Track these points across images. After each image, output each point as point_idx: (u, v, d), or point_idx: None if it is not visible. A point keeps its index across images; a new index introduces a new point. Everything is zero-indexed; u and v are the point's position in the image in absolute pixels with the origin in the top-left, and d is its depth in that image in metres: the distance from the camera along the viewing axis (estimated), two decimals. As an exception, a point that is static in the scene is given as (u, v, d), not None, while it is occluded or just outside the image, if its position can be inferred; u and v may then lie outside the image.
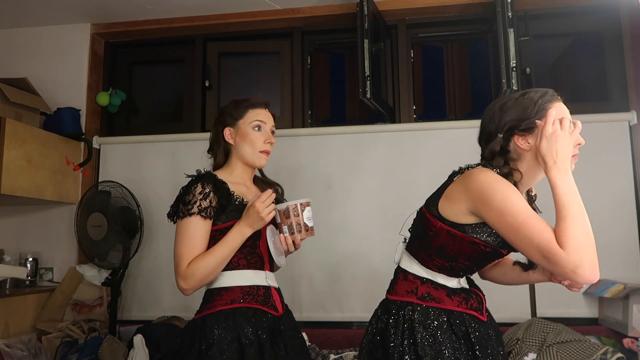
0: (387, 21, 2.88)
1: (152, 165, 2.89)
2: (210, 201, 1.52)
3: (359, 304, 2.62)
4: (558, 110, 1.30)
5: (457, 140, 2.67)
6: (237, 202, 1.57)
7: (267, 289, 1.58)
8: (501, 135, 1.36)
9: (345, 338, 2.53)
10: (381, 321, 1.41)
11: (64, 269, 2.75)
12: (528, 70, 2.72)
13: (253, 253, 1.58)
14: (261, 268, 1.59)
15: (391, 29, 2.93)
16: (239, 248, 1.53)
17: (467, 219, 1.28)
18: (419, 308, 1.34)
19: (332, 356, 2.35)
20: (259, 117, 1.65)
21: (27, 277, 2.74)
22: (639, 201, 2.51)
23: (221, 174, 1.62)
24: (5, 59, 3.06)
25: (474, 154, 2.77)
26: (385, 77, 2.90)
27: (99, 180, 2.87)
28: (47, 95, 2.86)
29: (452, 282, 1.37)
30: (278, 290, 1.64)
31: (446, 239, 1.32)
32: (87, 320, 2.64)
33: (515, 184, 1.30)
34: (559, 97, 1.34)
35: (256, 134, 1.63)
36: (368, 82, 2.53)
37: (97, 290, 2.71)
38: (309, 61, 3.02)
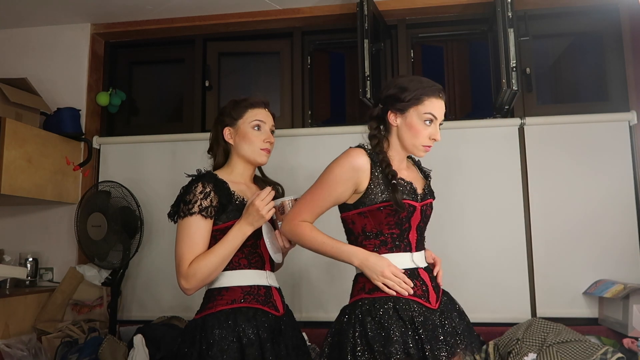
0: (387, 21, 2.88)
1: (152, 165, 2.89)
2: (211, 200, 1.52)
3: None
4: (430, 105, 1.51)
5: (457, 140, 2.67)
6: (237, 202, 1.57)
7: (267, 288, 1.58)
8: (381, 106, 1.57)
9: (345, 338, 2.53)
10: (337, 323, 1.49)
11: (64, 269, 2.75)
12: (528, 70, 2.72)
13: (254, 253, 1.58)
14: (262, 268, 1.60)
15: (391, 29, 2.93)
16: (240, 248, 1.53)
17: (357, 195, 1.49)
18: (366, 301, 1.44)
19: (332, 356, 2.35)
20: (258, 117, 1.66)
21: (27, 277, 2.74)
22: (639, 201, 2.51)
23: (221, 174, 1.62)
24: (5, 59, 3.06)
25: (474, 154, 2.80)
26: (386, 77, 2.90)
27: (99, 180, 2.87)
28: (47, 95, 2.86)
29: (402, 260, 1.47)
30: (279, 290, 1.65)
31: (361, 220, 1.49)
32: (87, 320, 2.64)
33: (384, 152, 1.53)
34: (441, 96, 1.54)
35: (255, 134, 1.64)
36: (368, 82, 2.53)
37: (97, 290, 2.71)
38: (309, 61, 3.02)
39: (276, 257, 1.59)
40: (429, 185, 1.66)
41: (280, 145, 2.56)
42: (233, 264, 1.55)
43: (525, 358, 2.10)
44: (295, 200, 1.54)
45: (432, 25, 2.93)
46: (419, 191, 1.55)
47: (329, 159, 2.79)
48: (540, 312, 2.48)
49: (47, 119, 2.84)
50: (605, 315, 2.38)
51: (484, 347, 2.29)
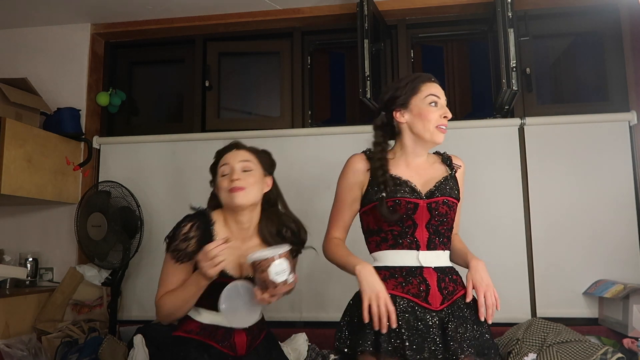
0: (387, 21, 2.88)
1: (152, 165, 2.89)
2: (187, 246, 1.51)
3: None
4: (428, 89, 1.55)
5: (457, 140, 2.67)
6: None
7: (228, 330, 1.55)
8: (383, 113, 1.61)
9: (345, 338, 2.53)
10: (347, 305, 1.60)
11: (64, 269, 2.75)
12: (528, 70, 2.72)
13: (215, 296, 1.50)
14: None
15: (391, 29, 2.93)
16: (204, 295, 1.50)
17: (362, 196, 1.58)
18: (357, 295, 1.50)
19: (332, 356, 2.35)
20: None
21: (27, 277, 2.74)
22: (639, 201, 2.51)
23: (216, 213, 1.62)
24: (5, 59, 3.06)
25: (474, 154, 2.79)
26: (386, 77, 2.90)
27: (99, 181, 2.87)
28: (47, 95, 2.86)
29: (404, 257, 1.49)
30: (249, 330, 1.58)
31: (365, 218, 1.58)
32: (87, 320, 2.64)
33: (384, 153, 1.57)
34: (433, 80, 1.58)
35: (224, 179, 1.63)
36: (368, 82, 2.53)
37: (97, 290, 2.71)
38: (309, 61, 3.02)
39: (236, 322, 1.52)
40: (450, 182, 1.59)
41: (280, 145, 2.56)
42: (199, 302, 1.54)
43: (525, 358, 2.10)
44: (265, 260, 1.40)
45: (432, 25, 2.93)
46: (421, 188, 1.52)
47: (329, 159, 2.79)
48: (540, 312, 2.48)
49: (47, 119, 2.84)
50: (605, 315, 2.38)
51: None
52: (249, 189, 1.56)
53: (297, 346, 2.35)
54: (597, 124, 2.57)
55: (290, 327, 2.59)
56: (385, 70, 2.90)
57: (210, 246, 1.41)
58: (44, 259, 2.88)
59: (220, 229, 1.57)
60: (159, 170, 2.88)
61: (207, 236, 1.52)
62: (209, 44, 3.10)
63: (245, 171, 1.58)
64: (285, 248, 1.43)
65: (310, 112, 2.97)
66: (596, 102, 2.70)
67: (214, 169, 1.65)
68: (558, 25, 2.81)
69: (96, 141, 2.97)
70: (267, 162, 1.67)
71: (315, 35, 3.03)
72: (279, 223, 1.65)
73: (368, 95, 2.52)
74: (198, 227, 1.52)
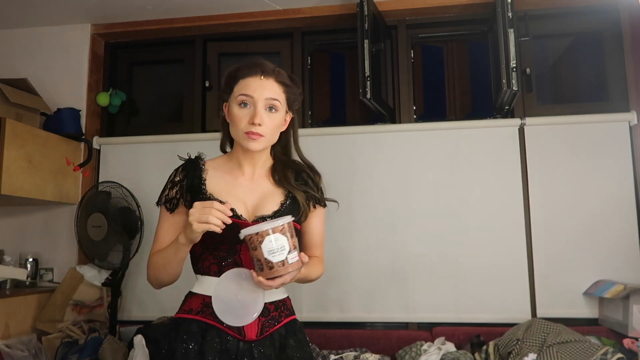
0: (387, 21, 2.88)
1: (152, 165, 2.89)
2: (176, 192, 1.36)
3: (359, 304, 2.62)
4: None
5: (457, 140, 2.67)
6: (202, 197, 1.33)
7: None
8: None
9: (345, 338, 2.54)
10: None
11: (64, 270, 2.75)
12: (528, 70, 2.72)
13: (228, 259, 1.32)
14: None
15: (391, 30, 2.93)
16: (210, 251, 1.32)
17: None
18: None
19: (332, 356, 2.35)
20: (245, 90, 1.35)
21: (28, 278, 2.74)
22: (639, 201, 2.51)
23: (218, 160, 1.44)
24: (5, 59, 3.06)
25: (474, 154, 2.79)
26: (386, 77, 2.90)
27: (99, 181, 2.87)
28: (47, 96, 2.86)
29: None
30: (264, 310, 1.32)
31: None
32: (88, 321, 2.64)
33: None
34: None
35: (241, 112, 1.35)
36: (368, 82, 2.53)
37: (97, 290, 2.70)
38: (309, 61, 3.02)
39: (233, 320, 1.27)
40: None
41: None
42: (204, 268, 1.34)
43: (526, 358, 2.10)
44: (257, 234, 1.17)
45: (432, 25, 2.93)
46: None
47: (329, 159, 2.80)
48: (540, 313, 2.49)
49: (47, 120, 2.84)
50: (606, 315, 2.38)
51: (484, 347, 2.29)
52: (269, 135, 1.34)
53: (297, 346, 2.34)
54: (597, 124, 2.57)
55: (291, 328, 2.59)
56: (385, 70, 2.90)
57: (207, 203, 1.21)
58: (44, 259, 2.88)
59: (214, 174, 1.38)
60: (159, 170, 2.87)
61: (196, 181, 1.35)
62: (209, 44, 3.10)
63: (270, 110, 1.34)
64: (282, 221, 1.19)
65: (310, 112, 2.97)
66: (596, 102, 2.70)
67: (229, 84, 1.37)
68: (558, 25, 2.81)
69: (96, 141, 2.97)
70: (293, 97, 1.41)
71: (315, 35, 3.03)
72: (292, 165, 1.46)
73: (368, 96, 2.52)
74: (185, 169, 1.38)
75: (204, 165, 1.40)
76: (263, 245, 1.17)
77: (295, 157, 1.50)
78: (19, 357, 2.32)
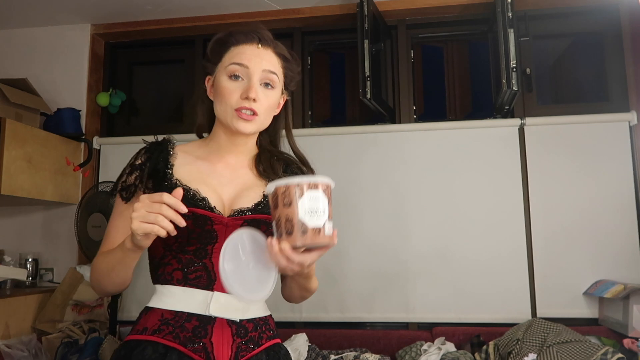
0: (387, 21, 2.88)
1: (152, 165, 2.89)
2: (136, 178, 1.10)
3: (359, 304, 2.62)
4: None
5: (457, 140, 2.67)
6: (167, 184, 1.08)
7: (204, 323, 1.02)
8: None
9: (345, 338, 2.54)
10: None
11: (64, 270, 2.75)
12: (528, 70, 2.72)
13: (198, 264, 1.05)
14: (207, 287, 1.04)
15: (391, 30, 2.93)
16: (174, 252, 1.06)
17: None
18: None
19: (332, 356, 2.35)
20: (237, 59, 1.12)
21: (28, 277, 2.74)
22: (639, 201, 2.51)
23: (191, 144, 1.20)
24: (5, 59, 3.06)
25: (474, 154, 2.79)
26: (386, 77, 2.90)
27: (99, 181, 2.87)
28: (47, 96, 2.86)
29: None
30: (239, 329, 1.05)
31: None
32: (88, 321, 2.64)
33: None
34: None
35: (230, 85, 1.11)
36: (368, 82, 2.53)
37: (98, 290, 2.70)
38: (309, 61, 3.02)
39: (238, 292, 0.95)
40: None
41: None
42: (164, 275, 1.06)
43: (526, 358, 2.10)
44: (298, 186, 0.90)
45: (432, 25, 2.93)
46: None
47: (329, 159, 2.80)
48: (540, 313, 2.49)
49: (47, 120, 2.84)
50: (606, 315, 2.38)
51: (484, 347, 2.29)
52: (263, 116, 1.11)
53: (297, 346, 2.35)
54: (597, 124, 2.58)
55: (291, 327, 2.59)
56: (385, 70, 2.90)
57: (154, 195, 0.91)
58: (44, 259, 2.88)
59: (185, 159, 1.14)
60: (159, 170, 2.88)
61: (161, 164, 1.11)
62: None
63: (266, 86, 1.11)
64: (324, 179, 0.93)
65: (310, 112, 2.97)
66: (596, 102, 2.70)
67: (218, 52, 1.14)
68: (558, 25, 2.81)
69: (96, 141, 2.97)
70: (292, 75, 1.19)
71: (315, 35, 3.03)
72: (280, 156, 1.23)
73: (368, 96, 2.52)
74: (148, 151, 1.13)
75: (172, 148, 1.16)
76: (302, 201, 0.89)
77: (285, 148, 1.26)
78: (19, 357, 2.32)
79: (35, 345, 2.44)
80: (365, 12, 2.58)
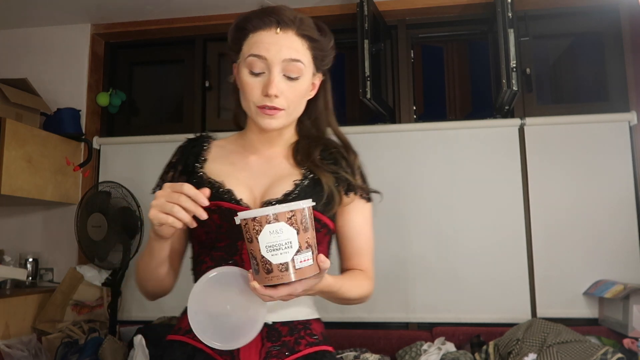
0: (387, 21, 2.88)
1: (152, 165, 2.86)
2: (171, 176, 1.11)
3: (359, 304, 2.62)
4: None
5: (457, 140, 2.67)
6: (194, 178, 1.07)
7: None
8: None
9: (345, 338, 2.53)
10: None
11: (64, 270, 2.74)
12: (528, 70, 2.72)
13: (229, 261, 1.00)
14: None
15: (391, 29, 2.92)
16: (207, 250, 1.03)
17: None
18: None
19: (333, 356, 2.35)
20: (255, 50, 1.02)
21: (28, 277, 2.74)
22: (639, 201, 2.51)
23: (228, 138, 1.16)
24: (5, 59, 3.06)
25: (474, 154, 2.79)
26: (386, 77, 2.90)
27: (99, 181, 2.87)
28: (47, 96, 2.86)
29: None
30: (270, 333, 0.99)
31: None
32: (88, 321, 2.64)
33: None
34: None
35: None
36: (368, 82, 2.53)
37: (97, 290, 2.70)
38: (309, 61, 3.01)
39: (217, 340, 0.91)
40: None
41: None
42: (199, 274, 0.98)
43: (526, 358, 2.10)
44: (254, 220, 0.83)
45: (432, 25, 2.93)
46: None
47: (329, 159, 2.77)
48: (540, 313, 2.49)
49: (47, 120, 2.84)
50: (606, 315, 2.38)
51: (484, 347, 2.29)
52: (290, 108, 1.03)
53: (297, 346, 2.35)
54: (597, 124, 2.57)
55: (291, 328, 2.59)
56: (385, 70, 2.90)
57: (176, 185, 0.89)
58: (44, 259, 2.88)
59: (218, 154, 1.11)
60: (159, 170, 2.85)
61: (191, 159, 1.10)
62: (209, 45, 3.10)
63: (290, 78, 1.01)
64: (293, 206, 0.83)
65: (310, 113, 2.96)
66: (596, 103, 2.70)
67: (237, 40, 1.04)
68: (558, 25, 2.81)
69: (96, 141, 2.97)
70: (322, 55, 1.09)
71: (315, 35, 3.02)
72: (320, 142, 1.14)
73: (368, 96, 2.52)
74: (182, 149, 1.13)
75: (208, 143, 1.13)
76: (261, 237, 0.82)
77: (330, 133, 1.18)
78: (19, 357, 2.32)
79: (35, 345, 2.45)
80: (365, 12, 2.58)
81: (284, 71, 1.00)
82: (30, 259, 2.80)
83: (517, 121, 2.62)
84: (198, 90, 3.05)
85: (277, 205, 0.85)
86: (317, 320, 1.07)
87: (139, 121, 3.24)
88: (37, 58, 3.03)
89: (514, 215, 2.57)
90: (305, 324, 1.03)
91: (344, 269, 1.13)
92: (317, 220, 0.98)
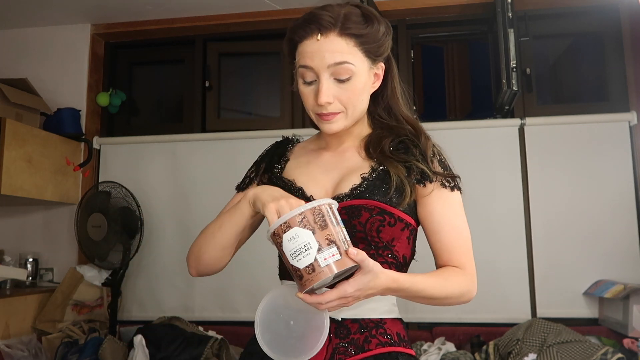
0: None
1: (152, 165, 2.89)
2: (252, 171, 1.16)
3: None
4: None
5: (457, 140, 2.67)
6: (273, 177, 1.11)
7: None
8: None
9: (346, 338, 2.53)
10: None
11: (64, 270, 2.75)
12: (528, 70, 2.72)
13: None
14: None
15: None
16: None
17: None
18: None
19: (333, 356, 2.35)
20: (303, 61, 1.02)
21: (28, 277, 2.74)
22: (639, 201, 2.51)
23: (310, 139, 1.20)
24: (5, 59, 3.06)
25: (474, 154, 2.79)
26: (386, 77, 2.89)
27: (99, 181, 2.87)
28: (47, 96, 2.86)
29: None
30: (338, 329, 0.98)
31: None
32: (88, 321, 2.64)
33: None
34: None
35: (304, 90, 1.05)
36: (368, 82, 2.52)
37: (98, 290, 2.71)
38: (309, 61, 3.02)
39: (286, 354, 0.93)
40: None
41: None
42: (280, 271, 1.07)
43: (526, 358, 2.10)
44: (283, 225, 0.85)
45: (432, 25, 2.93)
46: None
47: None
48: (540, 313, 2.49)
49: (47, 120, 2.84)
50: (606, 315, 2.38)
51: (484, 347, 2.29)
52: (349, 110, 1.03)
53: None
54: (597, 124, 2.57)
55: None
56: (385, 70, 2.89)
57: (286, 195, 0.94)
58: (44, 259, 2.88)
59: (299, 154, 1.14)
60: (159, 170, 2.88)
61: (275, 159, 1.14)
62: (209, 45, 3.10)
63: (340, 81, 1.00)
64: (303, 208, 0.85)
65: (310, 112, 2.96)
66: (596, 102, 2.70)
67: (291, 52, 1.05)
68: (558, 25, 2.81)
69: (96, 141, 2.97)
70: (376, 45, 1.06)
71: (315, 35, 3.02)
72: (392, 131, 1.13)
73: (368, 96, 2.52)
74: (269, 149, 1.18)
75: (292, 145, 1.17)
76: (284, 248, 0.84)
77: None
78: (19, 357, 2.32)
79: (35, 345, 2.45)
80: (365, 12, 2.57)
81: (333, 75, 0.99)
82: (30, 259, 2.80)
83: (517, 121, 2.63)
84: (198, 90, 3.05)
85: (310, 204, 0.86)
86: (395, 319, 1.03)
87: (139, 121, 3.24)
88: (37, 58, 3.03)
89: (514, 215, 2.57)
90: (378, 322, 1.00)
91: (438, 267, 1.08)
92: (390, 214, 0.98)
